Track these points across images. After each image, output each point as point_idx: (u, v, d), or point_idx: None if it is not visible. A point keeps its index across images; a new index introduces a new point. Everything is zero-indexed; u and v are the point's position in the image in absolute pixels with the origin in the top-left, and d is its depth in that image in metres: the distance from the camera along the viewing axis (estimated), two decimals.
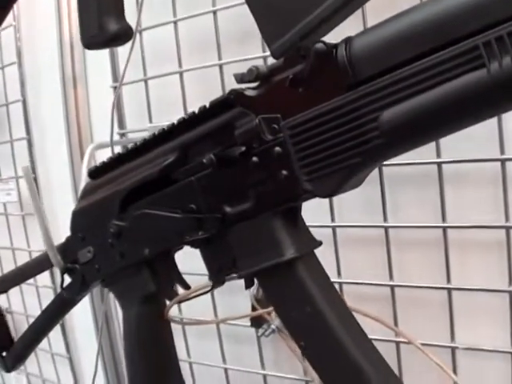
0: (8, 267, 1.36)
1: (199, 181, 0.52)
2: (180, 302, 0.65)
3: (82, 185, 0.80)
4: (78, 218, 0.68)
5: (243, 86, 0.49)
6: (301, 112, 0.45)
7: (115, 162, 0.64)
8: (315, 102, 0.44)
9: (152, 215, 0.57)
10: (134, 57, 0.94)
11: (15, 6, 1.18)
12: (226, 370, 1.02)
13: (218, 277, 0.57)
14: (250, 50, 0.88)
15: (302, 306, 0.47)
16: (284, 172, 0.46)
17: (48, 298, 0.79)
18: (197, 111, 0.53)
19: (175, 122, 0.56)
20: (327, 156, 0.44)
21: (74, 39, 1.14)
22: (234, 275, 0.53)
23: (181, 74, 0.96)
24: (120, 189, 0.61)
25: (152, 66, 1.01)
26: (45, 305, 0.77)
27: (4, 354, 0.79)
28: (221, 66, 0.91)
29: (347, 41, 0.43)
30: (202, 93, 0.96)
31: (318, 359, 0.47)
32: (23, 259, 1.30)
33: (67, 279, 0.70)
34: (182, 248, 0.62)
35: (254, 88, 0.48)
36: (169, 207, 0.55)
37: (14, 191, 1.29)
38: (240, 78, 0.48)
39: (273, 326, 0.89)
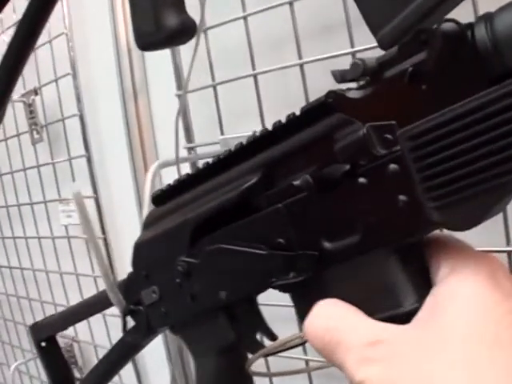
0: (73, 295, 1.32)
1: (289, 208, 0.42)
2: (266, 355, 0.53)
3: (145, 210, 0.70)
4: (140, 251, 0.58)
5: (342, 86, 0.39)
6: (425, 116, 0.33)
7: (183, 184, 0.54)
8: (445, 101, 0.33)
9: (229, 251, 0.47)
10: (199, 60, 0.83)
11: (65, 11, 1.14)
12: None
13: None
14: (334, 46, 0.75)
15: None
16: (402, 197, 0.35)
17: (116, 327, 0.71)
18: (284, 120, 0.43)
19: (256, 133, 0.46)
20: (466, 174, 0.32)
21: (131, 45, 1.03)
22: None
23: (255, 76, 0.83)
24: (190, 218, 0.51)
25: (220, 70, 0.89)
26: (113, 334, 0.67)
27: None
28: (301, 66, 0.78)
29: (487, 18, 0.32)
30: (280, 98, 0.84)
31: None
32: (88, 285, 1.24)
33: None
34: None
35: (358, 88, 0.39)
36: (250, 241, 0.45)
37: (74, 213, 1.20)
38: (340, 76, 0.38)
39: None
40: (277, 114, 0.45)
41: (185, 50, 0.91)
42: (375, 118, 0.37)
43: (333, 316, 0.38)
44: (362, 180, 0.37)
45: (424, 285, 0.38)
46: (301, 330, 0.45)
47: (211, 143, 0.91)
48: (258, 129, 0.46)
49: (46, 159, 1.30)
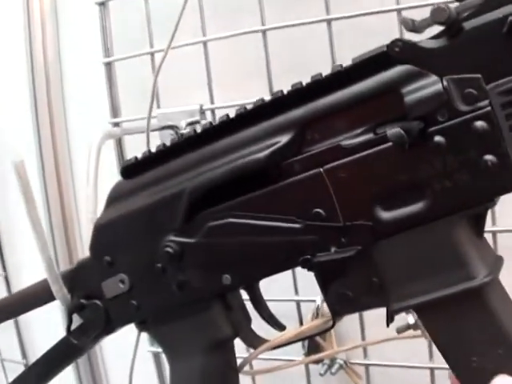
0: None
1: (333, 173, 0.37)
2: (273, 348, 0.46)
3: (91, 195, 0.59)
4: (103, 234, 0.49)
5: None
6: None
7: (163, 154, 0.46)
8: None
9: (243, 226, 0.40)
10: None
11: None
12: None
13: (343, 307, 0.40)
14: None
15: (494, 347, 0.34)
16: (489, 157, 0.32)
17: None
18: (331, 72, 0.38)
19: (291, 88, 0.39)
20: None
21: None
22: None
23: (205, 43, 0.74)
24: (186, 188, 0.42)
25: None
26: None
27: None
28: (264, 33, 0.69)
29: None
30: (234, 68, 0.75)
31: None
32: None
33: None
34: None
35: (434, 37, 0.35)
36: (272, 214, 0.39)
37: None
38: (413, 25, 0.35)
39: (340, 361, 0.71)
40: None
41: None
42: (454, 70, 0.33)
43: None
44: (438, 139, 0.34)
45: (489, 256, 0.36)
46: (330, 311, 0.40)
47: (142, 118, 0.79)
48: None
49: None
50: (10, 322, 1.04)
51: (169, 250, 0.43)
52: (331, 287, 0.39)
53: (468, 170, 0.33)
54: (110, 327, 0.50)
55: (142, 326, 0.49)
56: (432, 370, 0.69)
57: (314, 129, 0.38)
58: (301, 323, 0.73)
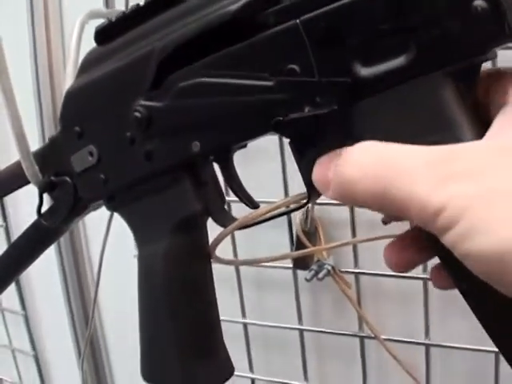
0: None
1: (310, 24, 0.33)
2: (244, 227, 0.43)
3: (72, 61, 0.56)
4: (73, 102, 0.46)
5: None
6: None
7: (137, 15, 0.42)
8: None
9: (214, 85, 0.37)
10: None
11: None
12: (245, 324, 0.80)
13: None
14: None
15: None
16: (480, 2, 0.28)
17: None
18: None
19: None
20: None
21: None
22: None
23: None
24: (155, 48, 0.39)
25: None
26: None
27: None
28: None
29: None
30: None
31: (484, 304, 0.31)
32: None
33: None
34: (246, 145, 0.42)
35: None
36: (244, 72, 0.36)
37: None
38: None
39: (327, 266, 0.68)
40: None
41: None
42: None
43: (383, 149, 0.29)
44: None
45: (479, 121, 0.31)
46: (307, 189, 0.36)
47: None
48: None
49: None
50: None
51: (137, 114, 0.40)
52: (306, 155, 0.36)
53: (456, 17, 0.29)
54: (79, 205, 0.48)
55: (111, 205, 0.47)
56: (425, 280, 0.67)
57: None
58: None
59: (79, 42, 0.57)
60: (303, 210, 0.67)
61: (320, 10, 0.32)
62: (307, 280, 0.69)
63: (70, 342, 0.96)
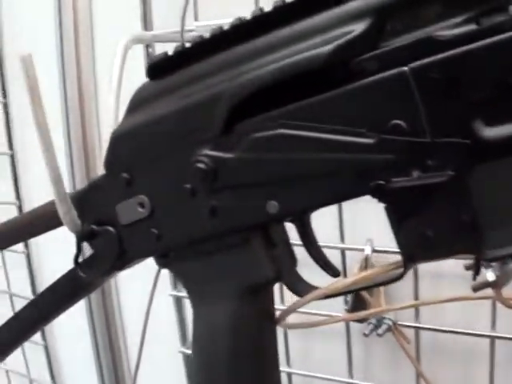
0: None
1: (421, 73, 0.28)
2: (327, 297, 0.38)
3: (112, 101, 0.50)
4: (121, 146, 0.40)
5: None
6: None
7: (197, 50, 0.37)
8: None
9: (303, 140, 0.32)
10: None
11: None
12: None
13: (421, 250, 0.31)
14: None
15: None
16: None
17: None
18: None
19: None
20: None
21: None
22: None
23: None
24: (225, 90, 0.34)
25: None
26: None
27: None
28: None
29: None
30: None
31: None
32: None
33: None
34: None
35: None
36: (336, 125, 0.31)
37: None
38: None
39: (388, 321, 0.62)
40: None
41: None
42: None
43: None
44: None
45: None
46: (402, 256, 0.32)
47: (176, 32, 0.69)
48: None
49: None
50: (22, 257, 0.99)
51: (201, 166, 0.35)
52: (407, 224, 0.31)
53: None
54: (123, 260, 0.43)
55: (162, 261, 0.42)
56: (493, 339, 0.60)
57: (397, 17, 0.30)
58: (345, 275, 0.64)
59: (122, 70, 0.51)
60: (361, 258, 0.60)
61: (434, 57, 0.28)
62: (365, 335, 0.62)
63: None
